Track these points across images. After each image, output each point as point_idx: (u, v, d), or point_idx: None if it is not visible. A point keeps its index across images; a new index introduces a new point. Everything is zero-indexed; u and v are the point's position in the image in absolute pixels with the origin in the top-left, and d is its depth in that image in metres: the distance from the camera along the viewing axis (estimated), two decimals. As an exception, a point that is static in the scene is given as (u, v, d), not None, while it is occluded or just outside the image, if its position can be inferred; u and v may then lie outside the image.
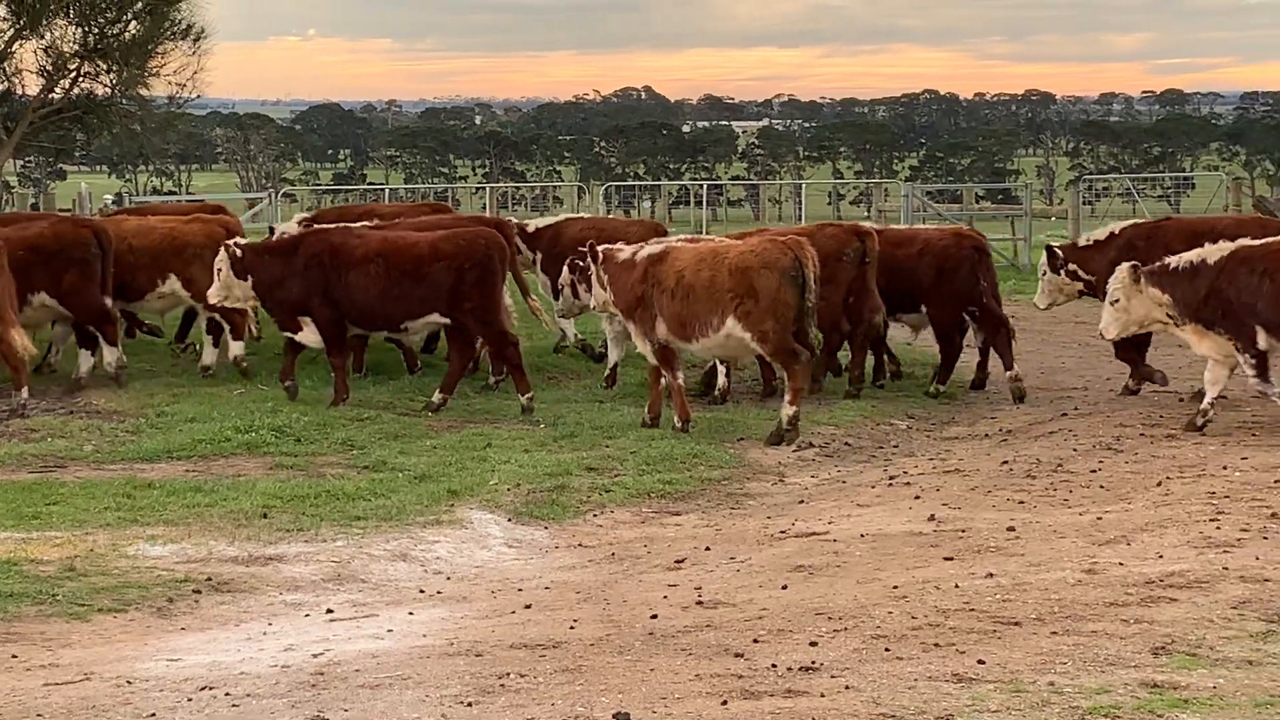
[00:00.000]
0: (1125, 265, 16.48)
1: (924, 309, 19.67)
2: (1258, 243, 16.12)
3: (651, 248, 17.43)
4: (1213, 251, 16.09)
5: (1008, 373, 19.04)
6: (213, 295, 18.59)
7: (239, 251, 18.21)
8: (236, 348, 19.82)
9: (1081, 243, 19.60)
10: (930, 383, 19.55)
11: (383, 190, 69.97)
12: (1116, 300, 16.40)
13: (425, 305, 18.00)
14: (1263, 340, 15.66)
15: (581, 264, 18.62)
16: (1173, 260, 16.19)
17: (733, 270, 16.56)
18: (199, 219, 21.05)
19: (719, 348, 17.11)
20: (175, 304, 20.54)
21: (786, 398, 16.65)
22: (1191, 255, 16.15)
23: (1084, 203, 49.75)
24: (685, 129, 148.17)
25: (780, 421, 16.56)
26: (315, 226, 20.14)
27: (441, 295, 17.91)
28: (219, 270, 18.38)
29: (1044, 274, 19.53)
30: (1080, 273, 19.09)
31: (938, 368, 19.64)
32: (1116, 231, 19.23)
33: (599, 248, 17.65)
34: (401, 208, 23.72)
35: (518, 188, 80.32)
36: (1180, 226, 19.44)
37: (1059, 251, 19.38)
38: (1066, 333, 24.26)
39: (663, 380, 17.15)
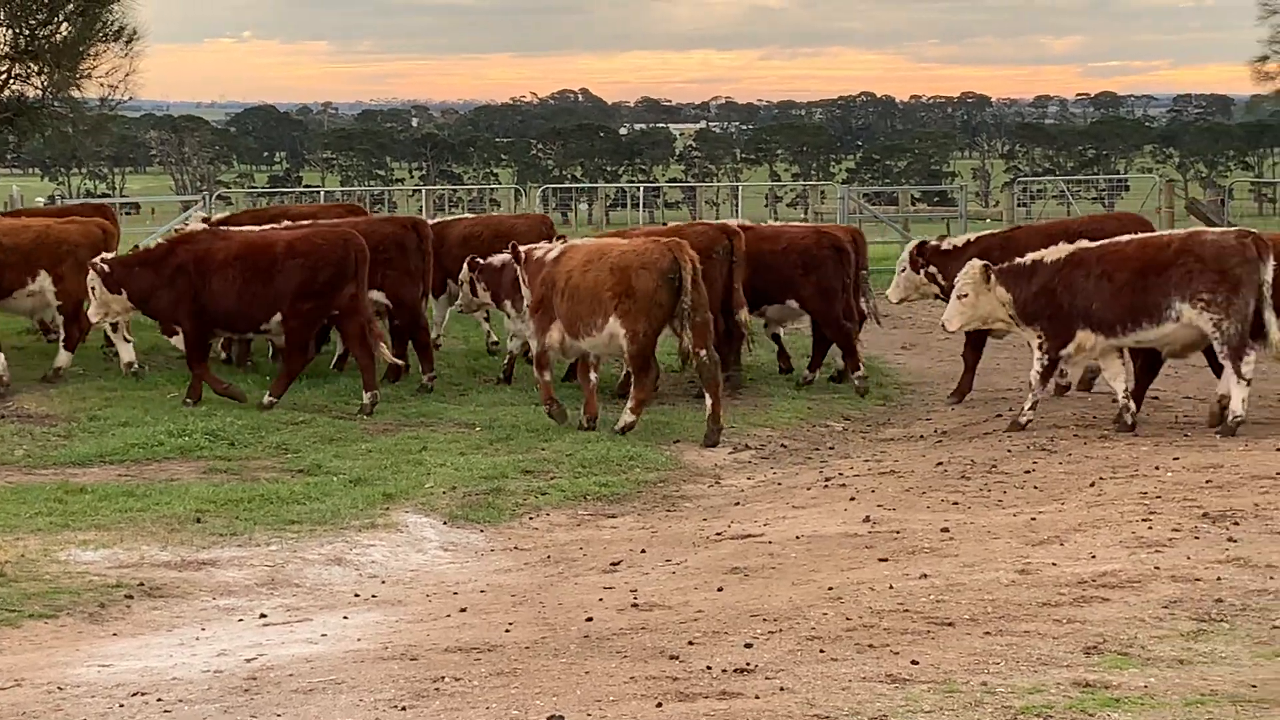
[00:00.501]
0: (977, 262, 16.83)
1: (791, 303, 20.09)
2: (1094, 244, 16.54)
3: (552, 249, 17.66)
4: (1053, 252, 16.57)
5: (854, 373, 19.68)
6: (93, 315, 18.85)
7: (106, 267, 18.22)
8: (63, 359, 19.85)
9: (944, 246, 19.77)
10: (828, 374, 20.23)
11: (319, 193, 69.75)
12: (964, 295, 16.76)
13: (275, 306, 18.22)
14: (1074, 343, 16.22)
15: (481, 261, 18.88)
16: (1020, 260, 16.65)
17: (614, 269, 16.74)
18: (74, 220, 21.05)
19: (604, 347, 17.14)
20: (44, 304, 20.36)
21: (630, 404, 16.93)
22: (1034, 254, 16.64)
23: (1019, 205, 49.95)
24: (622, 131, 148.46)
25: (621, 425, 16.81)
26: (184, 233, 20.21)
27: (286, 295, 18.09)
28: (92, 289, 18.45)
29: (902, 269, 19.74)
30: (938, 276, 19.30)
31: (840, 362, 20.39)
32: (973, 239, 19.60)
33: (521, 248, 17.73)
34: (314, 209, 23.67)
35: (454, 190, 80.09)
36: (1032, 233, 19.79)
37: (919, 251, 19.72)
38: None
39: (592, 377, 17.23)
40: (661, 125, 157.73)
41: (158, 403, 17.96)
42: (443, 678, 8.33)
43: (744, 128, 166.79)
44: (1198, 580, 9.62)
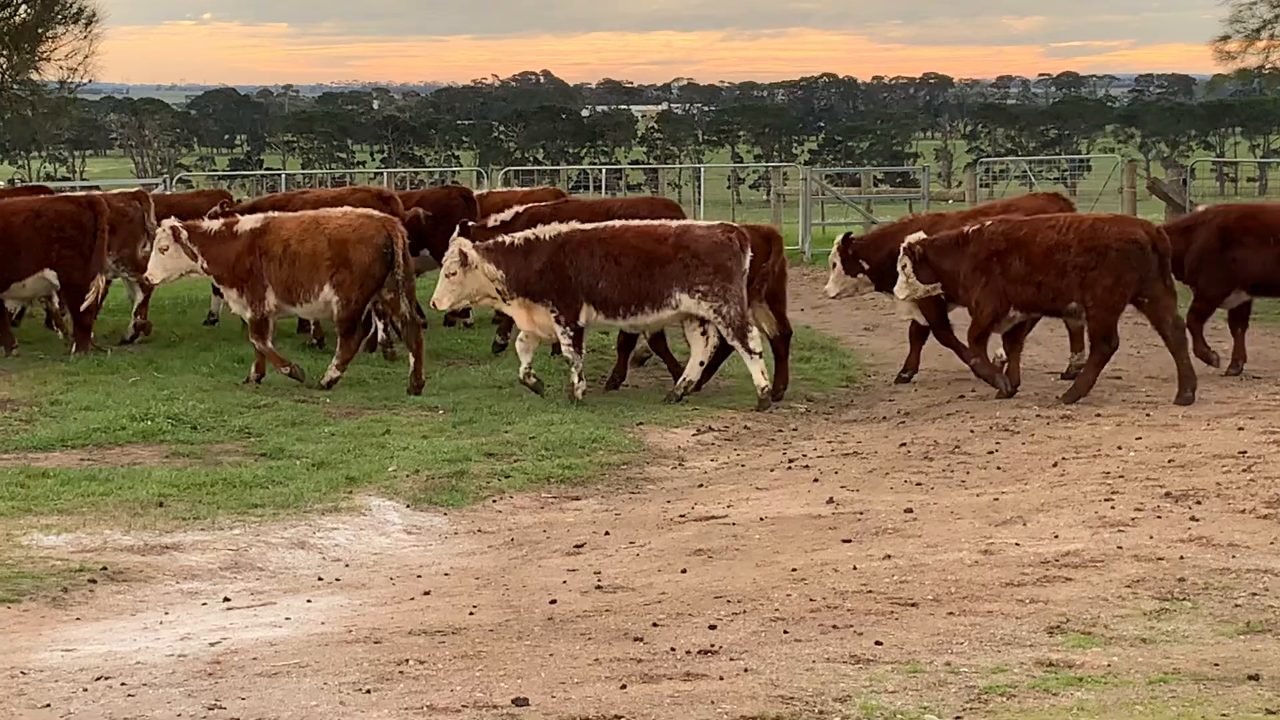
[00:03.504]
0: (461, 240, 17.77)
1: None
2: (593, 227, 17.82)
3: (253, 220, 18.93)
4: (548, 230, 17.63)
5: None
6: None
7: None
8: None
9: (868, 233, 20.10)
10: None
11: (280, 176, 69.56)
12: (452, 274, 17.52)
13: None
14: (583, 317, 17.47)
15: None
16: (507, 238, 17.66)
17: (331, 241, 18.09)
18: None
19: (319, 312, 18.87)
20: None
21: (335, 362, 18.42)
22: (526, 233, 17.73)
23: (981, 185, 49.97)
24: (584, 113, 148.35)
25: (326, 380, 18.28)
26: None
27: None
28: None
29: (834, 265, 19.69)
30: (864, 264, 19.44)
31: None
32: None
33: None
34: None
35: (416, 173, 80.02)
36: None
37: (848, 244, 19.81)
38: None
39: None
40: (623, 107, 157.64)
41: (119, 386, 17.89)
42: (407, 660, 8.33)
43: (706, 109, 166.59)
44: (1160, 559, 9.66)
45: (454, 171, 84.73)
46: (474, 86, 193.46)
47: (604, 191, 57.12)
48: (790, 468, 14.29)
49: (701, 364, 17.87)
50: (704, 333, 17.69)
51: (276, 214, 19.41)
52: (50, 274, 20.17)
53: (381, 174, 66.22)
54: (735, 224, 18.29)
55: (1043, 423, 15.49)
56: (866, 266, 19.29)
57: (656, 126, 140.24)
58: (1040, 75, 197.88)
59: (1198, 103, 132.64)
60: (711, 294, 17.24)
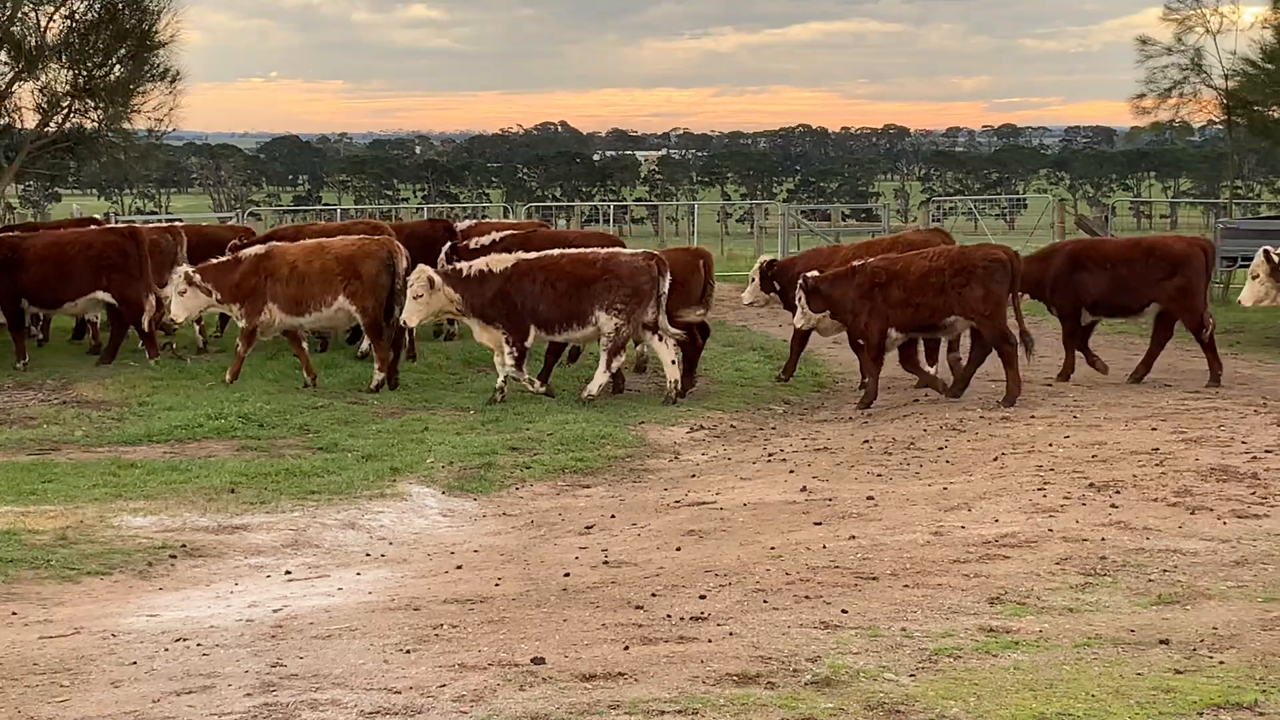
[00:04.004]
0: (426, 268, 17.78)
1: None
2: (533, 255, 17.94)
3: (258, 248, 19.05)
4: (498, 261, 17.77)
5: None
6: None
7: None
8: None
9: (783, 259, 20.78)
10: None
11: (335, 210, 69.48)
12: (419, 296, 17.55)
13: None
14: (531, 336, 17.59)
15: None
16: (464, 268, 17.79)
17: (340, 258, 18.28)
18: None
19: (330, 321, 18.87)
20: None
21: (375, 366, 18.39)
22: (480, 263, 17.85)
23: (934, 220, 49.95)
24: (595, 158, 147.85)
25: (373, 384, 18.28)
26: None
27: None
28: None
29: (753, 280, 20.21)
30: (775, 285, 19.92)
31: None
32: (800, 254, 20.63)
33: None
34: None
35: (451, 208, 79.84)
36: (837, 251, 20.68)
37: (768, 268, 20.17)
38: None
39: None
40: (629, 152, 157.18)
41: (198, 390, 17.89)
42: (441, 625, 8.31)
43: (699, 154, 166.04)
44: (1085, 540, 9.64)
45: (484, 207, 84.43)
46: (501, 135, 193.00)
47: (612, 224, 57.13)
48: (770, 461, 14.27)
49: (674, 362, 17.77)
50: (660, 339, 17.71)
51: (278, 242, 19.53)
52: (103, 294, 20.02)
53: (422, 209, 66.15)
54: (655, 252, 18.38)
55: (985, 423, 15.46)
56: (777, 287, 19.80)
57: (657, 169, 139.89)
58: (984, 127, 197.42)
59: (1118, 151, 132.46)
60: (622, 312, 17.38)
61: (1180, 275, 18.25)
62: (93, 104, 24.38)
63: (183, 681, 7.45)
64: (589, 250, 18.14)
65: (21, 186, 77.48)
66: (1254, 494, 11.03)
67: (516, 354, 17.53)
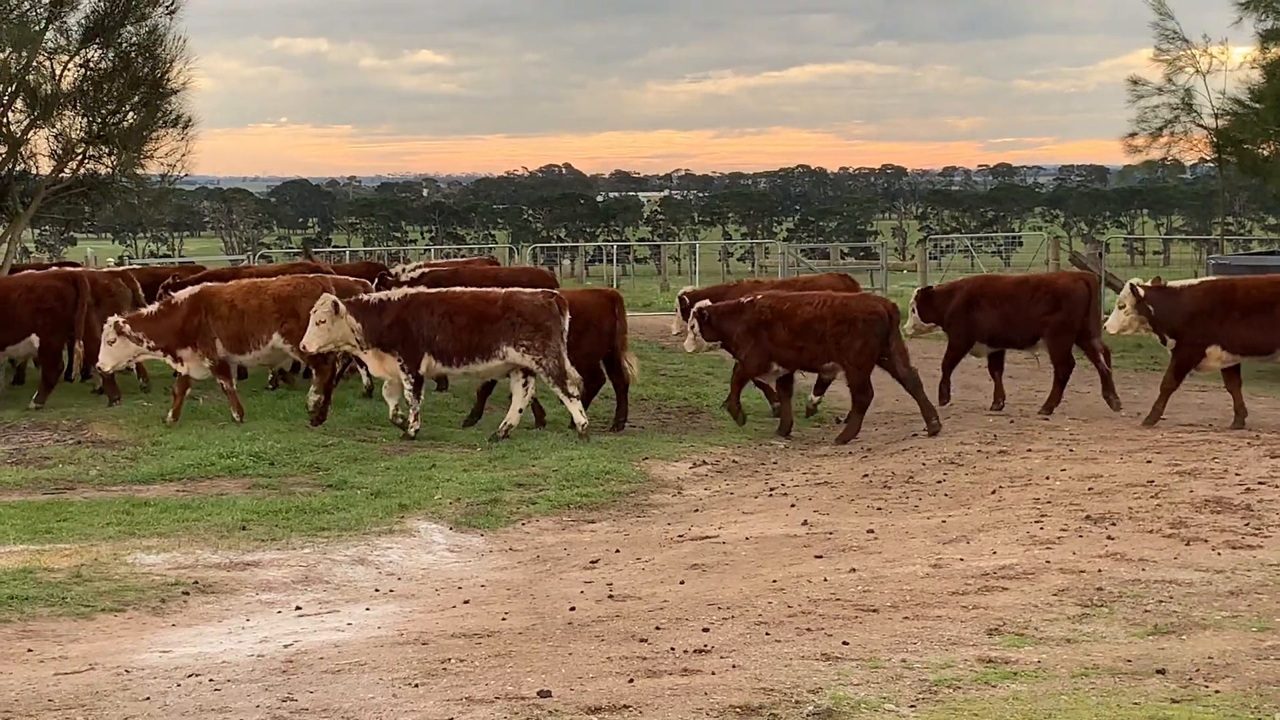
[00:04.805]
0: (329, 297, 17.79)
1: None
2: (435, 289, 18.27)
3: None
4: (398, 293, 18.04)
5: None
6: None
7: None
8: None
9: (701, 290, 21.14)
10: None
11: (345, 252, 69.67)
12: (322, 321, 17.64)
13: None
14: (424, 365, 17.67)
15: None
16: (366, 297, 18.00)
17: (277, 298, 18.40)
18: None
19: (267, 358, 18.89)
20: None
21: (313, 387, 18.45)
22: (382, 294, 18.13)
23: (931, 258, 50.03)
24: (599, 199, 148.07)
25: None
26: None
27: None
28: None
29: (677, 312, 20.58)
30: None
31: None
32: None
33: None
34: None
35: (459, 249, 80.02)
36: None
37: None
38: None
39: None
40: (632, 193, 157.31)
41: (210, 429, 17.88)
42: (449, 659, 8.29)
43: (700, 195, 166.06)
44: (1082, 572, 9.63)
45: (490, 248, 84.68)
46: (507, 177, 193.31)
47: (615, 264, 57.20)
48: (771, 495, 14.26)
49: (520, 411, 17.92)
50: (525, 384, 17.88)
51: (211, 283, 19.37)
52: (35, 338, 19.80)
53: (430, 250, 66.27)
54: (555, 292, 18.54)
55: (983, 457, 15.45)
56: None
57: (659, 210, 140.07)
58: (979, 166, 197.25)
59: (1111, 188, 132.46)
60: (533, 348, 17.54)
61: (1062, 310, 19.26)
62: (107, 150, 24.46)
63: (196, 716, 7.44)
64: (490, 290, 18.31)
65: (37, 231, 77.77)
66: (1248, 525, 11.02)
67: (414, 380, 17.70)
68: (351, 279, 20.39)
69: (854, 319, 17.80)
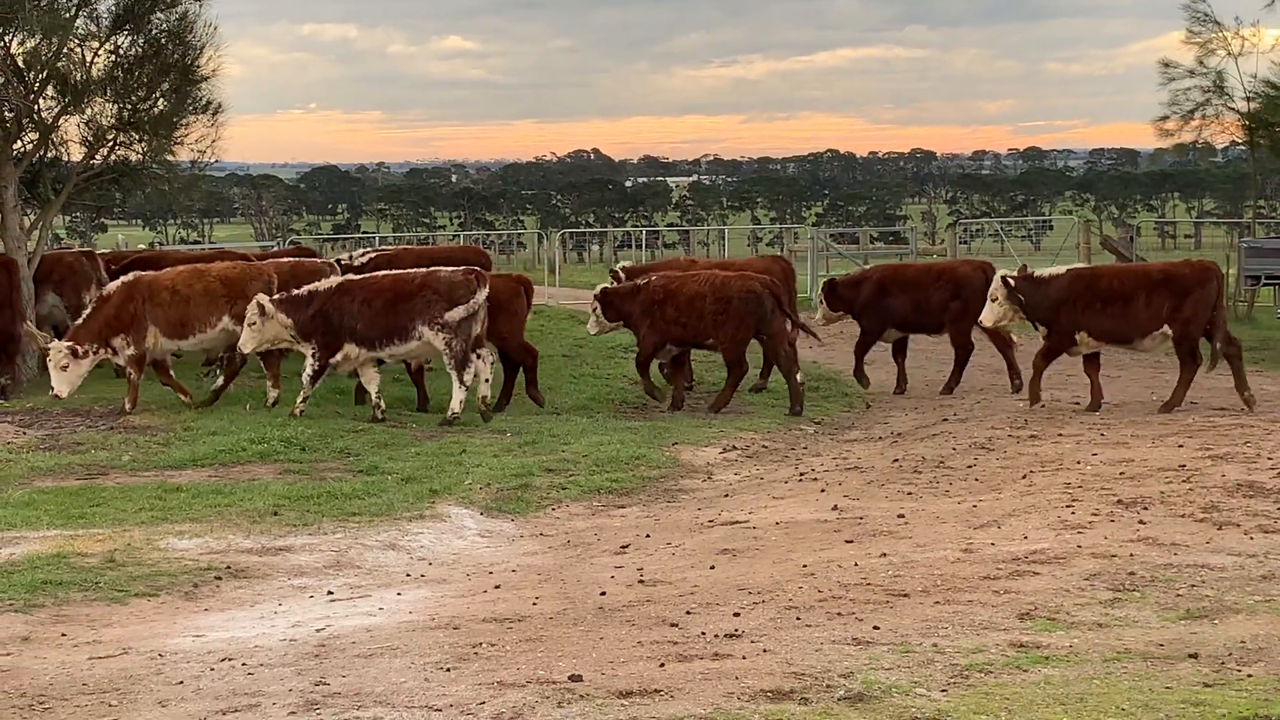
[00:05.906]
0: (260, 296, 17.91)
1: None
2: (358, 278, 18.34)
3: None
4: (323, 284, 18.05)
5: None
6: None
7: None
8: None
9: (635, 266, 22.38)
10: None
11: (374, 238, 69.74)
12: (253, 323, 17.76)
13: None
14: (342, 354, 17.68)
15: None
16: (296, 291, 17.96)
17: (225, 281, 18.60)
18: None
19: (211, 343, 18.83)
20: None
21: (269, 384, 18.66)
22: (309, 286, 18.03)
23: (960, 243, 49.94)
24: (628, 184, 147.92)
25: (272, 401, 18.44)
26: None
27: None
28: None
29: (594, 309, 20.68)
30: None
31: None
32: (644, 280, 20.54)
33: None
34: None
35: (487, 235, 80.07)
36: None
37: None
38: (946, 350, 24.30)
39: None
40: (660, 178, 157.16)
41: (241, 415, 17.93)
42: (480, 643, 8.32)
43: (729, 180, 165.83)
44: (1113, 556, 9.61)
45: (519, 233, 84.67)
46: (536, 162, 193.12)
47: (644, 250, 57.23)
48: (801, 480, 14.25)
49: (462, 402, 17.70)
50: (478, 357, 17.84)
51: (146, 272, 19.26)
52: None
53: (459, 236, 66.35)
54: (475, 268, 18.38)
55: (1013, 441, 15.43)
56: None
57: (688, 195, 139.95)
58: (1009, 150, 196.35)
59: (1142, 172, 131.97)
60: (445, 327, 17.50)
61: (960, 298, 20.31)
62: (137, 137, 24.49)
63: (228, 700, 7.48)
64: (410, 271, 18.32)
65: (68, 217, 78.04)
66: (1280, 509, 10.98)
67: (317, 367, 17.77)
68: (320, 261, 20.97)
69: (730, 298, 18.72)
